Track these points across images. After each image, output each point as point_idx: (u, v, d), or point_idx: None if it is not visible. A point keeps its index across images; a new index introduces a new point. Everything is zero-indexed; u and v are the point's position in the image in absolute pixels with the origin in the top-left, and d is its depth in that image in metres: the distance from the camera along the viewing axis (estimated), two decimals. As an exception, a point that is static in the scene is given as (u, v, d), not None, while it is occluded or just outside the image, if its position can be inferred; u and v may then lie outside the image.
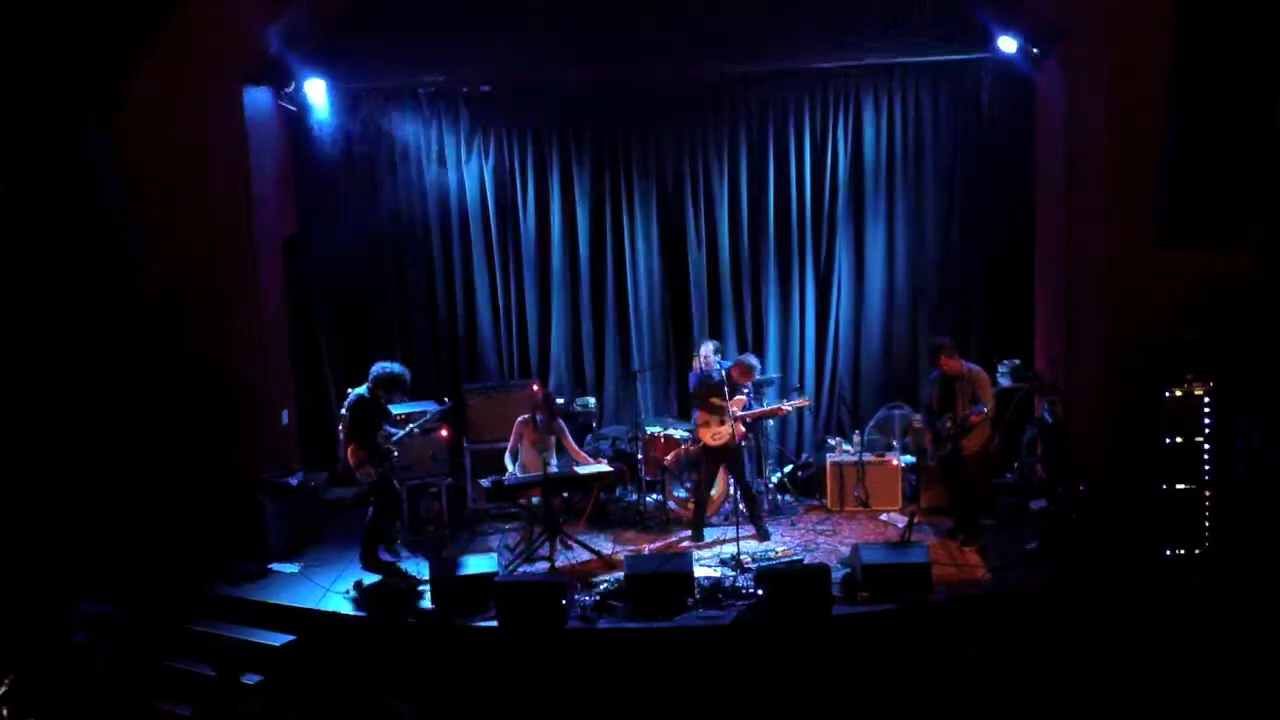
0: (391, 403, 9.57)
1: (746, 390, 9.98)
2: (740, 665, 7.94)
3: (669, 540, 10.00)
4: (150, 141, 9.37)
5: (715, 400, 9.75)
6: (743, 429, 9.85)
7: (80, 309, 9.47)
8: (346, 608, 8.84)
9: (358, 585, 9.11)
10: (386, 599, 8.84)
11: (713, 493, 10.36)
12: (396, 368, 9.40)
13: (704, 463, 10.02)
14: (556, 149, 11.40)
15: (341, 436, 9.33)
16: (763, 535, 9.88)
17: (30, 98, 8.53)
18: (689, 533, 10.09)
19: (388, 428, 9.44)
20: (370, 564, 9.38)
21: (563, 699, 8.06)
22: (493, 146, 11.38)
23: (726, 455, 9.86)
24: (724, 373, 9.82)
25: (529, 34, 10.77)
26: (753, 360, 10.03)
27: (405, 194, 11.49)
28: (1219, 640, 7.86)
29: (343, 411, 9.34)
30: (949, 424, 9.36)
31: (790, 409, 10.39)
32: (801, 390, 11.22)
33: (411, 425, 9.72)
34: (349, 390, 9.51)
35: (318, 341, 11.54)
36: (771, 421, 11.03)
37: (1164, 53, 8.83)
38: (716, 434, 9.80)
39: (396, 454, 9.44)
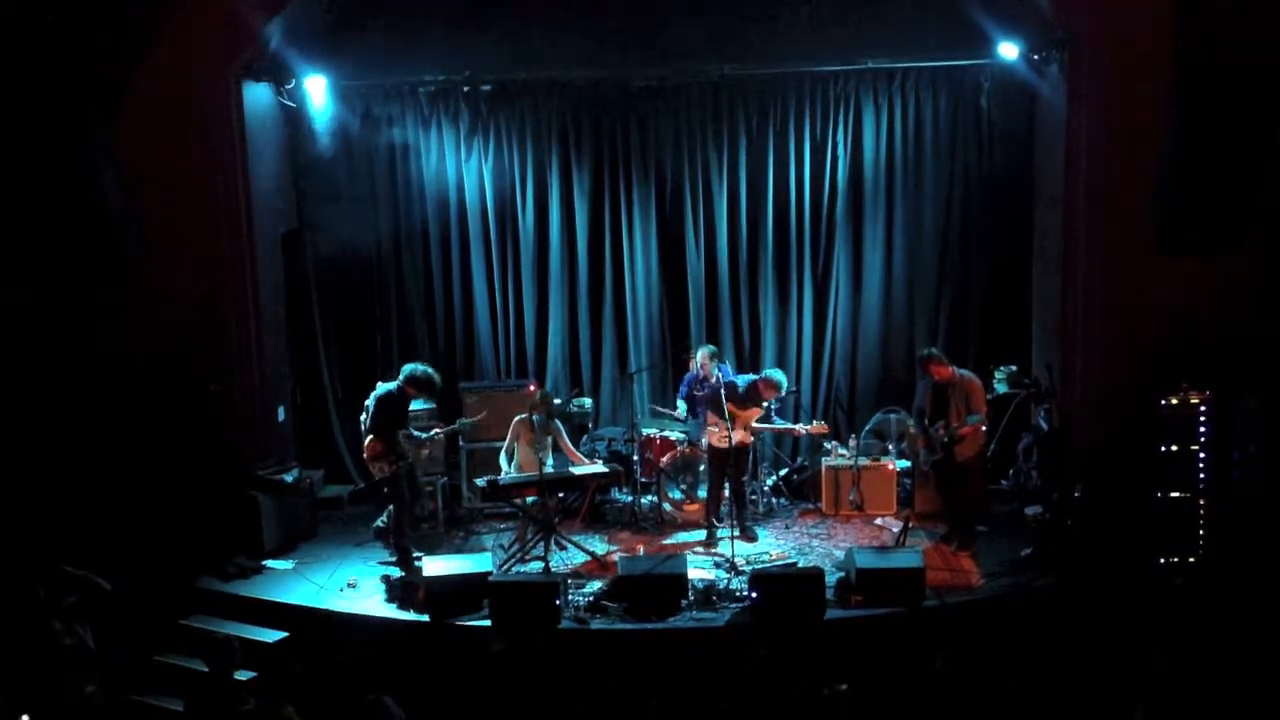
0: (416, 400, 9.67)
1: (767, 405, 9.99)
2: (739, 666, 7.93)
3: (664, 541, 9.99)
4: (150, 140, 9.39)
5: (733, 409, 9.68)
6: (750, 438, 9.89)
7: (79, 307, 9.48)
8: (340, 605, 8.84)
9: (351, 584, 9.15)
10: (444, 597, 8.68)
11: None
12: (430, 369, 9.52)
13: (712, 464, 10.02)
14: (556, 149, 11.36)
15: (363, 429, 9.41)
16: (748, 537, 9.87)
17: (30, 96, 8.55)
18: (684, 534, 10.09)
19: (413, 430, 9.52)
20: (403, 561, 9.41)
21: (557, 699, 8.05)
22: (492, 146, 11.34)
23: (731, 457, 9.79)
24: (751, 384, 9.78)
25: (529, 33, 10.78)
26: (780, 377, 9.88)
27: (404, 192, 11.46)
28: (1217, 647, 7.85)
29: (368, 404, 9.41)
30: (942, 430, 9.35)
31: (804, 433, 10.38)
32: (824, 418, 11.08)
33: (436, 430, 9.85)
34: (378, 383, 9.57)
35: (315, 338, 11.54)
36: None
37: (1165, 59, 8.87)
38: (722, 438, 9.78)
39: (410, 456, 9.47)
